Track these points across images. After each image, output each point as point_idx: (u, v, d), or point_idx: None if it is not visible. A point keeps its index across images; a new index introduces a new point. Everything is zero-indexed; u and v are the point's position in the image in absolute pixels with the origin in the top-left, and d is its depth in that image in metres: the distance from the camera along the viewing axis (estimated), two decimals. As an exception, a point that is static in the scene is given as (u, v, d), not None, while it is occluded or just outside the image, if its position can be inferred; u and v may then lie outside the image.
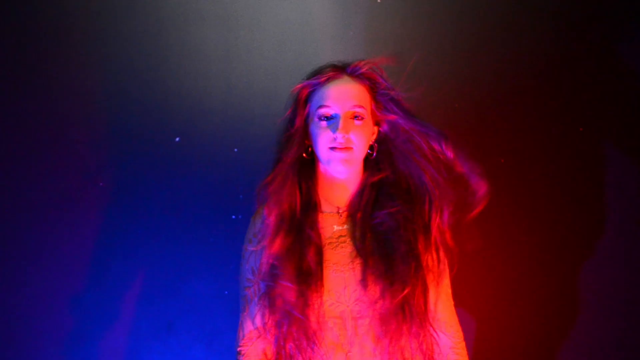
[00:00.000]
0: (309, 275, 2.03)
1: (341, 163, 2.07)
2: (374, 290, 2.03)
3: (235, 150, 2.58)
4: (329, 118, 2.09)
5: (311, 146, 2.14)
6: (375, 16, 2.69)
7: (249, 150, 2.62)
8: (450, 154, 2.13)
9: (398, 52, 2.70)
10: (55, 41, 2.62)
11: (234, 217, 2.63)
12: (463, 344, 2.14)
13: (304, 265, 2.04)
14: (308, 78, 2.15)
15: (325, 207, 2.15)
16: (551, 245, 2.70)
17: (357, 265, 2.06)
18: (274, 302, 2.03)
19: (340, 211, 2.15)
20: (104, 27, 2.64)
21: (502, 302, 2.69)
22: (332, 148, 2.06)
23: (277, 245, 2.05)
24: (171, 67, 2.65)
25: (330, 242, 2.10)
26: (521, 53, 2.71)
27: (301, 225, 2.08)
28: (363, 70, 2.13)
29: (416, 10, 2.70)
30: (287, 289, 2.01)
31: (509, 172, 2.69)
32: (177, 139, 2.65)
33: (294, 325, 2.02)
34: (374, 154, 2.15)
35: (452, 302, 2.15)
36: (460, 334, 2.15)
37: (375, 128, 2.17)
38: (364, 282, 2.04)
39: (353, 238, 2.10)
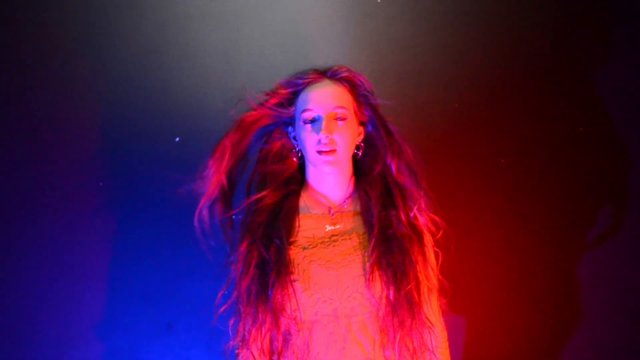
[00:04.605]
0: (279, 278, 2.07)
1: (327, 164, 2.13)
2: (378, 284, 2.07)
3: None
4: (312, 121, 2.15)
5: (301, 150, 2.20)
6: (375, 16, 2.69)
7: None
8: (394, 168, 2.15)
9: (398, 52, 2.70)
10: (54, 41, 2.62)
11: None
12: (446, 344, 2.21)
13: (268, 270, 2.10)
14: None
15: (316, 209, 2.20)
16: (551, 245, 2.70)
17: (352, 262, 2.10)
18: (247, 310, 2.10)
19: (332, 211, 2.19)
20: (104, 27, 2.64)
21: (501, 302, 2.69)
22: (319, 152, 2.12)
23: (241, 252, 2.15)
24: (171, 67, 2.66)
25: (323, 242, 2.14)
26: (521, 53, 2.71)
27: (268, 229, 2.15)
28: (343, 74, 2.18)
29: (416, 10, 2.70)
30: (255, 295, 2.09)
31: (509, 172, 2.69)
32: (177, 139, 2.65)
33: (274, 327, 2.08)
34: (360, 154, 2.21)
35: (438, 304, 2.19)
36: (445, 335, 2.21)
37: (361, 128, 2.22)
38: (368, 276, 2.07)
39: (352, 236, 2.14)
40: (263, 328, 2.08)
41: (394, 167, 2.16)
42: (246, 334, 2.09)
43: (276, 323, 2.06)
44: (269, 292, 2.06)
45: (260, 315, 2.07)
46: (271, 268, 2.08)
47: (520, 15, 2.72)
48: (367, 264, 2.08)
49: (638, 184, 2.70)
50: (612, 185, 2.70)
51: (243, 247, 2.15)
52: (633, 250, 2.70)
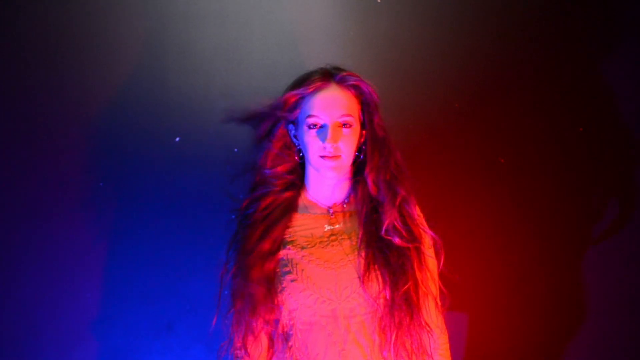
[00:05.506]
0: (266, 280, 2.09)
1: (331, 170, 2.13)
2: (375, 284, 2.07)
3: (235, 150, 2.57)
4: (317, 127, 2.13)
5: (302, 150, 2.20)
6: (375, 16, 2.69)
7: (249, 150, 2.61)
8: (369, 181, 2.15)
9: (398, 52, 2.70)
10: (54, 40, 2.62)
11: (234, 217, 2.62)
12: (447, 345, 2.20)
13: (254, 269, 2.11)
14: (295, 85, 2.18)
15: (315, 208, 2.21)
16: (552, 245, 2.70)
17: (350, 262, 2.10)
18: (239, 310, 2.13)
19: (331, 211, 2.18)
20: (104, 27, 2.64)
21: (501, 302, 2.69)
22: (322, 157, 2.12)
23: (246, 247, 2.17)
24: (171, 66, 2.65)
25: (322, 241, 2.14)
26: (521, 53, 2.71)
27: (270, 227, 2.16)
28: (352, 82, 2.16)
29: (416, 10, 2.70)
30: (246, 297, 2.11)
31: (509, 172, 2.69)
32: (177, 139, 2.65)
33: (251, 331, 2.10)
34: (362, 157, 2.20)
35: (437, 308, 2.18)
36: (446, 336, 2.21)
37: (363, 131, 2.20)
38: (365, 276, 2.07)
39: (351, 235, 2.14)
40: (246, 330, 2.10)
41: (369, 180, 2.15)
42: (236, 336, 2.12)
43: (250, 327, 2.08)
44: (249, 293, 2.08)
45: (245, 317, 2.10)
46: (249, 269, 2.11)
47: (520, 15, 2.72)
48: (360, 264, 2.09)
49: (638, 183, 2.70)
50: (612, 186, 2.71)
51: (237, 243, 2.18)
52: (634, 250, 2.70)
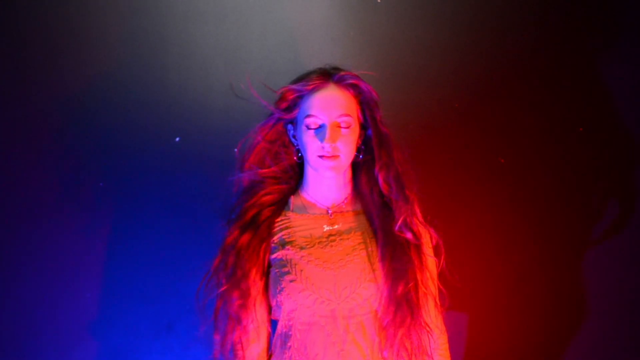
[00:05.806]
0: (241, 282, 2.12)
1: (329, 169, 2.13)
2: (378, 282, 2.07)
3: (235, 150, 2.57)
4: (316, 127, 2.12)
5: (300, 150, 2.19)
6: (375, 16, 2.69)
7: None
8: (380, 179, 2.15)
9: (398, 52, 2.70)
10: (54, 40, 2.62)
11: (234, 216, 2.62)
12: (447, 345, 2.21)
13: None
14: (294, 83, 2.18)
15: (314, 209, 2.20)
16: (551, 246, 2.70)
17: (349, 263, 2.10)
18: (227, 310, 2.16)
19: (330, 212, 2.18)
20: (104, 26, 2.64)
21: (501, 302, 2.69)
22: (321, 156, 2.11)
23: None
24: (171, 66, 2.65)
25: (320, 242, 2.14)
26: (521, 53, 2.71)
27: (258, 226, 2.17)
28: (350, 81, 2.15)
29: (416, 10, 2.70)
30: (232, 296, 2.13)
31: (509, 172, 2.69)
32: (177, 139, 2.65)
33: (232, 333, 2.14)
34: (361, 156, 2.20)
35: (439, 304, 2.18)
36: (445, 336, 2.22)
37: (362, 131, 2.21)
38: (370, 274, 2.08)
39: (350, 235, 2.14)
40: (233, 329, 2.11)
41: (380, 179, 2.15)
42: (224, 335, 2.13)
43: (234, 325, 2.10)
44: (228, 295, 2.10)
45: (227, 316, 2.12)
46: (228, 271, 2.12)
47: (520, 15, 2.71)
48: (371, 261, 2.09)
49: (638, 183, 2.70)
50: (612, 186, 2.70)
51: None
52: (634, 250, 2.70)
